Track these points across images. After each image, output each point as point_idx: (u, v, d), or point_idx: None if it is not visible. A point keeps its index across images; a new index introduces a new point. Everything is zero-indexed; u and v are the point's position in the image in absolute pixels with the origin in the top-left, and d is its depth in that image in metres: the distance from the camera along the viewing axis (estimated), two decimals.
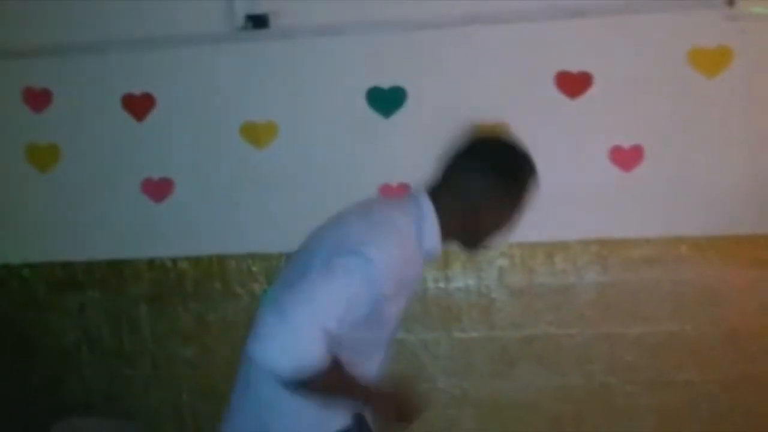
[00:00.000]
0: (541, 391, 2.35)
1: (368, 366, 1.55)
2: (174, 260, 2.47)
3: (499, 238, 1.57)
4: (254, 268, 2.44)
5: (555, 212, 2.24)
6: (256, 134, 2.37)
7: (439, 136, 2.24)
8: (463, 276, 2.35)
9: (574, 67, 2.24)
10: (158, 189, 2.46)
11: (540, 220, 2.25)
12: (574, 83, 2.25)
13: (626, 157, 2.25)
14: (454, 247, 1.56)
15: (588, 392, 2.34)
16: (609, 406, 2.34)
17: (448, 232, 1.52)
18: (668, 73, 2.23)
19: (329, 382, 1.37)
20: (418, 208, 1.51)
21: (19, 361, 2.62)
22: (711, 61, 2.20)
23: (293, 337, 1.28)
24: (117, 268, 2.51)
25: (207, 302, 2.47)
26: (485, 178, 1.51)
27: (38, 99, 2.50)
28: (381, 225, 1.44)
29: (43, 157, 2.52)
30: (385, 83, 2.28)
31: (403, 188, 2.27)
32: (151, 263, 2.48)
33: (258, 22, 2.29)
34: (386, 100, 2.29)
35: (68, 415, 2.43)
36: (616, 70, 2.24)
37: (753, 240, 2.25)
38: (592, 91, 2.24)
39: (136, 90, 2.44)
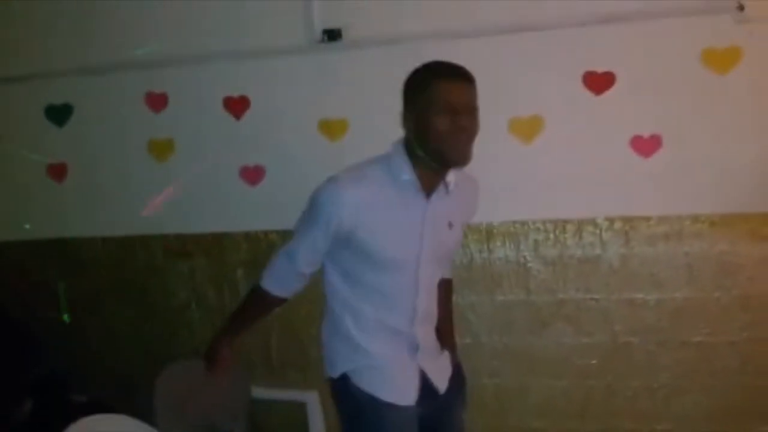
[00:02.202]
0: (570, 348, 2.66)
1: (395, 318, 1.84)
2: (265, 233, 2.88)
3: (462, 145, 1.73)
4: None
5: (583, 193, 2.59)
6: (330, 129, 2.75)
7: (485, 128, 2.63)
8: (504, 247, 2.68)
9: (600, 68, 2.52)
10: (253, 174, 2.86)
11: (570, 200, 2.63)
12: (599, 81, 2.52)
13: (646, 145, 2.52)
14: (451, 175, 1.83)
15: (611, 350, 2.62)
16: (629, 362, 2.61)
17: (418, 162, 1.74)
18: (683, 71, 2.46)
19: (249, 301, 2.01)
20: (387, 153, 1.80)
21: (140, 315, 3.10)
22: (722, 60, 2.43)
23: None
24: (219, 239, 2.94)
25: None
26: (404, 104, 1.78)
27: (157, 101, 2.92)
28: (342, 175, 1.75)
29: (161, 149, 2.95)
30: None
31: None
32: (247, 235, 2.90)
33: (332, 35, 2.68)
34: None
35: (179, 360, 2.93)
36: (636, 69, 2.49)
37: (761, 217, 2.47)
38: (616, 88, 2.51)
39: (235, 93, 2.84)
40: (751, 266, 2.50)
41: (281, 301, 1.97)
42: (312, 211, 1.78)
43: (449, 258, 2.10)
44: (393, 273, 1.81)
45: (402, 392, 1.86)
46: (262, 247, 2.90)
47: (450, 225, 1.89)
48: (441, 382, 1.94)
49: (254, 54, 2.79)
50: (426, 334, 1.93)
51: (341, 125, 2.75)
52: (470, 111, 1.74)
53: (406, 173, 1.76)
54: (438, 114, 1.69)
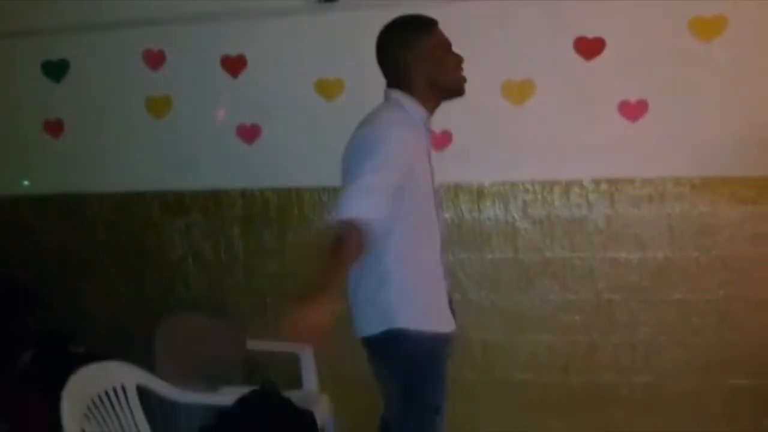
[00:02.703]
0: (555, 305, 2.76)
1: (436, 249, 1.95)
2: (261, 191, 2.95)
3: (458, 80, 1.96)
4: (324, 198, 2.89)
5: (571, 155, 2.68)
6: (326, 89, 2.80)
7: (477, 91, 2.69)
8: (493, 207, 2.77)
9: (590, 33, 2.59)
10: (249, 133, 2.92)
11: (558, 161, 2.71)
12: (589, 47, 2.60)
13: (633, 110, 2.61)
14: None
15: (595, 307, 2.73)
16: (612, 318, 2.73)
17: (421, 98, 1.91)
18: (670, 39, 2.54)
19: (350, 238, 1.63)
20: (390, 100, 1.94)
21: (138, 270, 3.15)
22: (708, 28, 2.52)
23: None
24: (216, 196, 3.00)
25: (287, 225, 2.94)
26: (402, 55, 1.91)
27: (155, 59, 2.95)
28: (379, 121, 1.85)
29: (159, 106, 2.99)
30: None
31: (444, 134, 2.74)
32: (243, 193, 2.97)
33: None
34: None
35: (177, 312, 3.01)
36: (625, 36, 2.57)
37: (741, 180, 2.58)
38: (605, 54, 2.59)
39: (232, 52, 2.88)
40: (730, 228, 2.61)
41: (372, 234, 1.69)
42: (381, 152, 1.76)
43: None
44: (429, 201, 1.93)
45: (449, 319, 1.99)
46: (258, 204, 2.97)
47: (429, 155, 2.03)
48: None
49: (252, 13, 2.83)
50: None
51: (337, 85, 2.81)
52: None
53: (420, 112, 1.94)
54: (448, 54, 1.97)
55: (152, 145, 3.04)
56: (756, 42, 2.52)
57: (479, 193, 2.78)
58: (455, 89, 1.98)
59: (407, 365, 1.89)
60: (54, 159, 3.16)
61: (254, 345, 2.90)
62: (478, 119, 2.71)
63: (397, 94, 1.94)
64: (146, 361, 2.52)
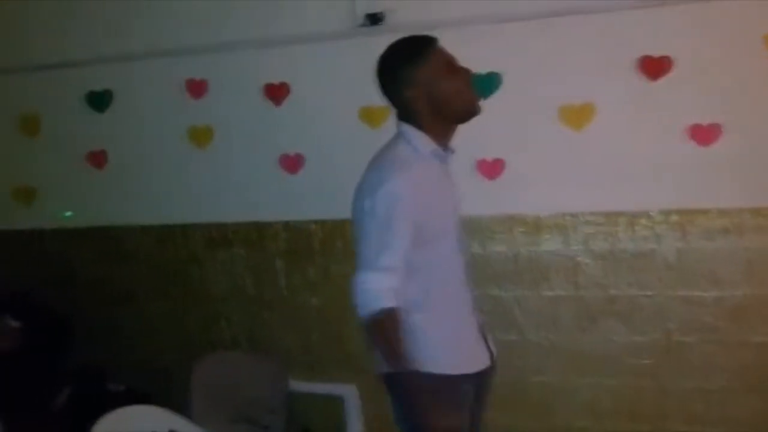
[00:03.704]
0: (620, 346, 2.55)
1: (449, 287, 1.83)
2: (305, 223, 2.84)
3: (467, 102, 1.80)
4: None
5: (637, 184, 2.49)
6: (371, 117, 2.66)
7: (533, 116, 2.53)
8: (551, 240, 2.58)
9: (656, 52, 2.39)
10: (293, 163, 2.81)
11: (623, 191, 2.52)
12: (655, 66, 2.40)
13: (705, 134, 2.39)
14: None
15: (665, 349, 2.51)
16: (684, 362, 2.50)
17: (432, 129, 1.79)
18: (745, 56, 2.33)
19: (386, 328, 1.69)
20: (399, 134, 1.84)
21: (179, 305, 3.06)
22: None
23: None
24: (259, 228, 2.90)
25: (331, 258, 2.82)
26: (400, 84, 1.80)
27: (197, 88, 2.88)
28: (383, 165, 1.78)
29: (201, 136, 2.92)
30: (483, 69, 2.49)
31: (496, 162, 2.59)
32: (286, 225, 2.86)
33: (374, 19, 2.60)
34: (483, 84, 2.50)
35: (218, 350, 2.92)
36: (694, 53, 2.37)
37: None
38: (673, 74, 2.39)
39: (275, 80, 2.78)
40: None
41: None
42: (384, 211, 1.71)
43: None
44: (448, 238, 1.84)
45: (475, 357, 1.89)
46: (302, 237, 2.86)
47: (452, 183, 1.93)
48: (491, 346, 1.94)
49: (294, 40, 2.74)
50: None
51: (382, 113, 2.61)
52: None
53: (430, 145, 1.81)
54: (449, 76, 1.79)
55: (194, 175, 2.97)
56: None
57: (536, 225, 2.59)
58: (466, 111, 1.82)
59: (419, 406, 1.75)
60: (97, 190, 3.11)
61: (296, 386, 2.78)
62: (534, 145, 2.54)
63: (404, 128, 1.85)
64: (186, 399, 2.43)
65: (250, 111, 2.85)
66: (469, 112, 1.82)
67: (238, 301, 2.99)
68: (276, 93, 2.81)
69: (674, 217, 2.47)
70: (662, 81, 2.42)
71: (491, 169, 2.58)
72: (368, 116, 2.70)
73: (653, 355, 2.53)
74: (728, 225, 2.42)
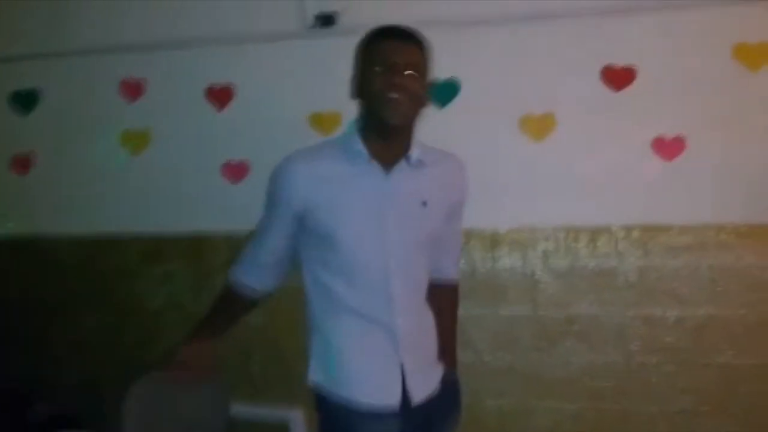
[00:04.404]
0: (581, 368, 2.43)
1: (370, 304, 1.66)
2: (249, 235, 2.65)
3: (396, 104, 1.60)
4: None
5: (599, 198, 2.39)
6: (322, 123, 2.52)
7: (492, 125, 2.41)
8: (509, 257, 2.46)
9: (620, 61, 2.31)
10: (236, 171, 2.63)
11: (584, 206, 2.42)
12: (618, 77, 2.31)
13: (669, 147, 2.31)
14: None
15: (627, 371, 2.40)
16: (647, 384, 2.39)
17: (370, 133, 1.66)
18: (712, 68, 2.26)
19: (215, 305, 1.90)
20: (340, 134, 1.79)
21: (111, 322, 2.84)
22: (754, 55, 2.23)
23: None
24: (198, 241, 2.70)
25: None
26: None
27: (133, 89, 2.68)
28: (295, 153, 1.72)
29: (136, 141, 2.71)
30: (441, 76, 2.38)
31: None
32: (228, 237, 2.66)
33: (325, 20, 2.46)
34: (441, 91, 2.41)
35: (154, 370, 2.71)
36: (659, 64, 2.29)
37: None
38: (637, 84, 2.31)
39: (218, 82, 2.61)
40: None
41: (253, 298, 1.88)
42: (269, 193, 1.76)
43: (437, 244, 1.82)
44: (357, 253, 1.66)
45: (382, 391, 1.69)
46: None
47: (423, 204, 1.71)
48: (417, 390, 1.72)
49: (240, 39, 2.57)
50: (412, 329, 1.72)
51: (334, 118, 2.52)
52: (410, 70, 1.63)
53: (357, 143, 1.67)
54: (373, 71, 1.62)
55: (129, 183, 2.75)
56: None
57: (494, 241, 2.47)
58: (375, 117, 1.62)
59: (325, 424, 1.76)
60: (23, 198, 2.86)
61: (238, 410, 2.57)
62: (493, 157, 2.42)
63: (350, 123, 1.75)
64: (119, 423, 2.22)
65: (190, 114, 2.66)
66: (383, 117, 1.61)
67: (177, 317, 2.77)
68: (219, 96, 2.63)
69: (636, 234, 2.37)
70: (626, 92, 2.33)
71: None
72: (319, 122, 2.54)
73: (615, 376, 2.42)
74: (691, 242, 2.33)
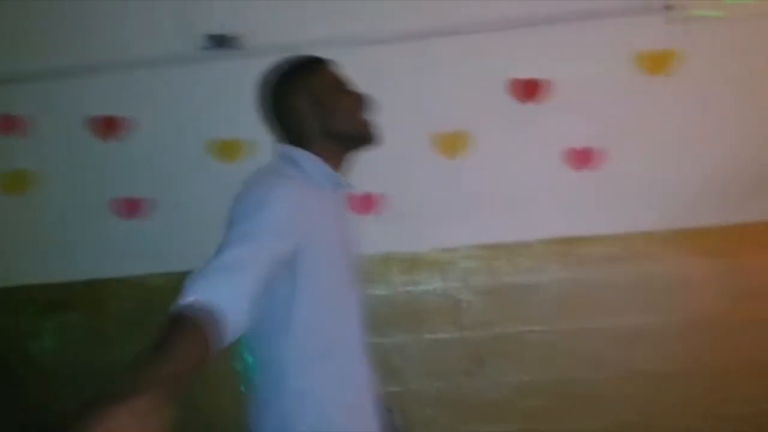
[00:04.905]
0: (511, 388, 2.36)
1: (344, 338, 1.54)
2: (147, 278, 2.43)
3: (358, 125, 1.59)
4: None
5: (516, 214, 2.33)
6: (221, 151, 2.36)
7: (402, 145, 2.32)
8: (430, 278, 2.36)
9: (526, 74, 2.27)
10: (128, 208, 2.42)
11: (502, 221, 2.36)
12: (527, 89, 2.28)
13: (581, 158, 2.29)
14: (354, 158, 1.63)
15: (556, 386, 2.35)
16: (577, 398, 2.35)
17: (323, 153, 1.56)
18: (616, 77, 2.26)
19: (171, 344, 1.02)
20: (284, 157, 1.56)
21: (4, 382, 2.55)
22: (656, 63, 2.25)
23: None
24: (92, 287, 2.46)
25: None
26: (289, 96, 1.57)
27: (7, 125, 2.43)
28: (265, 180, 1.44)
29: (16, 182, 2.46)
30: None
31: (368, 197, 2.35)
32: (124, 281, 2.44)
33: (220, 41, 2.30)
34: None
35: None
36: (566, 75, 2.26)
37: (709, 232, 2.29)
38: (546, 97, 2.27)
39: (101, 112, 2.40)
40: (701, 285, 2.30)
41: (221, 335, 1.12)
42: (256, 217, 1.33)
43: None
44: (343, 279, 1.55)
45: (369, 427, 1.58)
46: (145, 294, 2.44)
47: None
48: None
49: (127, 65, 2.37)
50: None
51: (234, 146, 2.36)
52: None
53: (323, 168, 1.57)
54: (341, 93, 1.61)
55: (10, 229, 2.48)
56: (713, 76, 2.25)
57: (413, 263, 2.37)
58: (360, 134, 1.60)
59: None
60: None
61: None
62: (406, 178, 2.33)
63: (290, 151, 1.58)
64: None
65: (74, 150, 2.43)
66: (363, 135, 1.60)
67: (74, 373, 2.49)
68: (105, 127, 2.41)
69: (556, 247, 2.33)
70: (536, 104, 2.29)
71: (364, 204, 2.33)
72: (218, 150, 2.37)
73: (545, 394, 2.35)
74: (611, 252, 2.31)
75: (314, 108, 1.58)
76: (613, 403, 2.34)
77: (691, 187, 2.29)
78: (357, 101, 1.61)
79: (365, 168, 2.18)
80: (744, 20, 2.21)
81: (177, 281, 2.48)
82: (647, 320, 2.32)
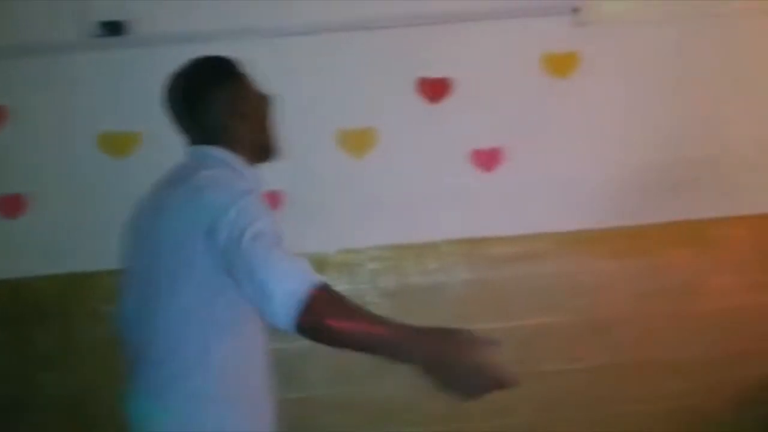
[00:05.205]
0: (417, 390, 2.30)
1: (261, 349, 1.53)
2: (30, 280, 2.26)
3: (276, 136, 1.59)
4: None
5: (423, 214, 2.32)
6: (114, 145, 2.23)
7: (306, 142, 2.26)
8: (337, 280, 2.28)
9: (434, 73, 2.26)
10: (11, 205, 2.25)
11: (408, 222, 2.33)
12: (435, 88, 2.27)
13: (487, 159, 2.30)
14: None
15: None
16: (482, 400, 2.35)
17: (245, 158, 1.52)
18: (523, 77, 2.28)
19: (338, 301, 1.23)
20: (211, 158, 1.48)
21: None
22: (561, 64, 2.29)
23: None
24: None
25: (72, 323, 2.27)
26: (221, 99, 1.50)
27: None
28: (218, 178, 1.39)
29: None
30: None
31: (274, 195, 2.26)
32: (5, 283, 2.26)
33: (114, 28, 2.17)
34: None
35: None
36: (473, 75, 2.27)
37: (612, 233, 2.34)
38: (453, 96, 2.27)
39: None
40: (604, 286, 2.35)
41: None
42: (247, 192, 1.35)
43: None
44: None
45: None
46: (27, 298, 2.27)
47: None
48: None
49: (8, 52, 2.19)
50: None
51: (128, 139, 2.24)
52: None
53: (255, 174, 1.55)
54: (267, 105, 1.60)
55: None
56: (616, 78, 2.31)
57: (322, 264, 2.29)
58: (274, 147, 1.62)
59: None
60: None
61: None
62: (311, 176, 2.27)
63: (219, 153, 1.50)
64: None
65: None
66: (276, 152, 1.61)
67: None
68: None
69: (463, 247, 2.33)
70: (443, 104, 2.29)
71: (269, 203, 2.24)
72: (110, 144, 2.24)
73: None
74: (517, 252, 2.33)
75: (251, 119, 1.55)
76: (521, 403, 2.32)
77: (593, 189, 2.33)
78: (272, 116, 1.60)
79: (268, 165, 2.11)
80: (646, 24, 2.28)
81: (63, 284, 2.35)
82: (552, 320, 2.34)
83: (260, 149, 1.57)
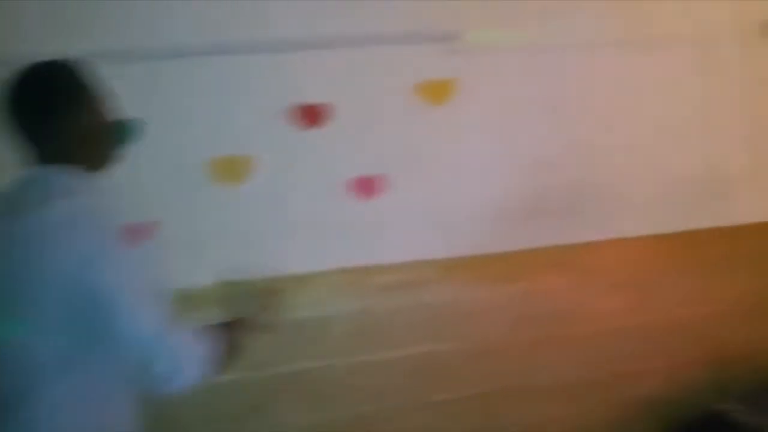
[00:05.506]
0: (305, 427, 2.26)
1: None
2: None
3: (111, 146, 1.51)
4: None
5: (304, 243, 2.25)
6: None
7: (175, 170, 2.16)
8: (209, 316, 2.21)
9: (308, 98, 2.23)
10: None
11: (290, 251, 2.26)
12: (308, 115, 2.23)
13: (367, 186, 2.29)
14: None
15: (352, 422, 2.29)
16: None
17: (91, 166, 1.45)
18: (400, 104, 2.29)
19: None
20: (66, 186, 1.37)
21: None
22: (437, 91, 2.30)
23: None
24: None
25: None
26: (70, 109, 1.40)
27: None
28: (77, 221, 1.33)
29: None
30: (121, 116, 2.11)
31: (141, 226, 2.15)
32: None
33: None
34: (122, 134, 2.11)
35: None
36: (351, 102, 2.25)
37: (490, 259, 2.37)
38: (330, 123, 2.24)
39: None
40: (490, 311, 2.37)
41: None
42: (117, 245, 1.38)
43: None
44: None
45: None
46: None
47: None
48: None
49: None
50: None
51: None
52: None
53: (111, 195, 1.48)
54: (109, 117, 1.48)
55: None
56: (491, 104, 2.36)
57: (196, 298, 2.18)
58: (107, 164, 1.52)
59: None
60: None
61: None
62: (182, 207, 2.17)
63: (73, 179, 1.39)
64: None
65: None
66: (103, 168, 1.50)
67: None
68: None
69: (347, 277, 2.29)
70: (321, 131, 2.24)
71: (135, 235, 2.12)
72: None
73: (341, 430, 2.29)
74: (401, 280, 2.31)
75: (96, 132, 1.45)
76: None
77: (470, 215, 2.36)
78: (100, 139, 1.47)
79: (135, 194, 2.01)
80: (521, 51, 2.34)
81: None
82: (437, 348, 2.34)
83: (99, 164, 1.48)
